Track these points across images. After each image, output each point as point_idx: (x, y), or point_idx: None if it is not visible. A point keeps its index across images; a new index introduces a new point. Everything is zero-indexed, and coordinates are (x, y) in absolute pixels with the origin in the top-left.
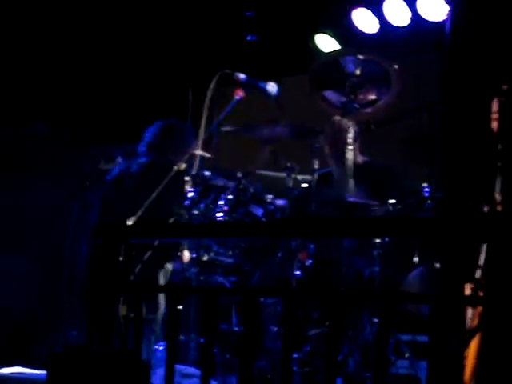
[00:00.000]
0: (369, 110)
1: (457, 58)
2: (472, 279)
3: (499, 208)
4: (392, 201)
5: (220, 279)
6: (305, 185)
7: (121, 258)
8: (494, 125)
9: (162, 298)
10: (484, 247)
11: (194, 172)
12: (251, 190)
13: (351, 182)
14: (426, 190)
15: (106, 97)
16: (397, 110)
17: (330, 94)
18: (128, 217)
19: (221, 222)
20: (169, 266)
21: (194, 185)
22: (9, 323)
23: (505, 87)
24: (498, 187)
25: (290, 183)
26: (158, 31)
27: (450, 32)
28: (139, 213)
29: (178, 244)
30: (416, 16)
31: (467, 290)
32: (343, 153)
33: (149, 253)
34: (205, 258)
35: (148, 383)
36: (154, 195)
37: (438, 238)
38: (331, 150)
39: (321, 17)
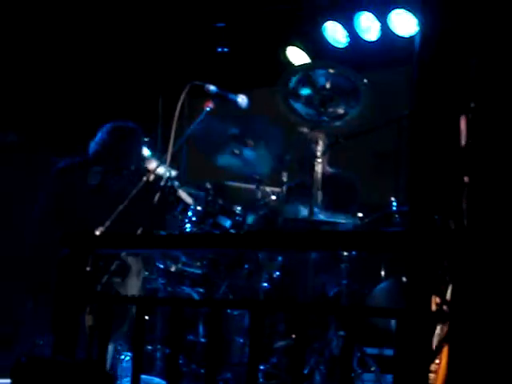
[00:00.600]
0: (338, 123)
1: (426, 74)
2: (438, 294)
3: (465, 223)
4: (360, 214)
5: (187, 290)
6: (274, 197)
7: (88, 268)
8: (462, 141)
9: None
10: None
11: (162, 183)
12: (219, 201)
13: (319, 194)
14: (393, 203)
15: (77, 106)
16: (366, 124)
17: (299, 107)
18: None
19: (189, 234)
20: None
21: (162, 196)
22: None
23: (473, 105)
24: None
25: (259, 195)
26: (129, 42)
27: (420, 47)
28: (107, 223)
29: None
30: (386, 30)
31: (434, 306)
32: (312, 165)
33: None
34: (172, 268)
35: None
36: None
37: (405, 252)
38: (300, 163)
39: (292, 29)
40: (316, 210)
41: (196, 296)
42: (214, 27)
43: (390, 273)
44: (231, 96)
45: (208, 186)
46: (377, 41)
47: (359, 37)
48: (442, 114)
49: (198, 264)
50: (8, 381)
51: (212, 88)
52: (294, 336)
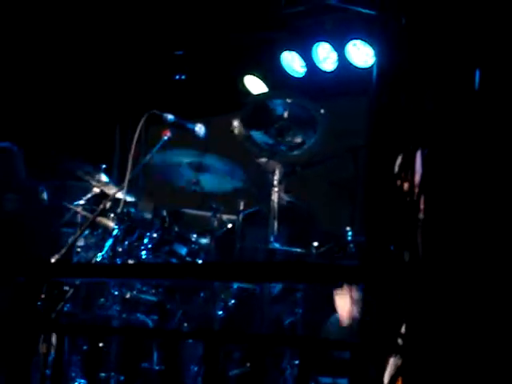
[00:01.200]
0: (296, 152)
1: (381, 105)
2: (393, 327)
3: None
4: (315, 243)
5: (142, 318)
6: (230, 225)
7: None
8: (417, 177)
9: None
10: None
11: (119, 209)
12: (176, 228)
13: (275, 224)
14: (349, 233)
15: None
16: (323, 153)
17: (257, 136)
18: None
19: (144, 264)
20: None
21: (119, 222)
22: None
23: (429, 137)
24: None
25: (215, 223)
26: (86, 69)
27: (376, 78)
28: (63, 251)
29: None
30: (344, 61)
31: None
32: (269, 194)
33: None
34: (127, 295)
35: None
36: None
37: (359, 285)
38: (257, 191)
39: (250, 59)
40: (272, 238)
41: (151, 324)
42: (172, 55)
43: None
44: (189, 125)
45: (164, 213)
46: (334, 71)
47: (317, 67)
48: (398, 147)
49: (154, 291)
50: None
51: (170, 117)
52: (248, 364)
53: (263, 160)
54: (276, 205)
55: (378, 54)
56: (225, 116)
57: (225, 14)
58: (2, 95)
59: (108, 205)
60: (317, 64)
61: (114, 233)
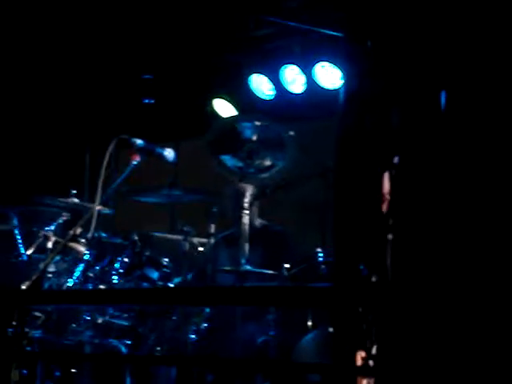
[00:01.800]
0: (265, 175)
1: (349, 127)
2: (364, 348)
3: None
4: (287, 265)
5: (115, 343)
6: (201, 248)
7: (14, 323)
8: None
9: None
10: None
11: (90, 234)
12: (147, 252)
13: (247, 247)
14: (320, 255)
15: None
16: (293, 176)
17: (226, 159)
18: None
19: (115, 289)
20: None
21: (90, 247)
22: None
23: (396, 160)
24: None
25: (186, 247)
26: (54, 93)
27: (343, 100)
28: (34, 277)
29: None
30: (312, 83)
31: (359, 360)
32: (239, 217)
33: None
34: (99, 320)
35: None
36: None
37: (330, 307)
38: (228, 214)
39: (218, 82)
40: (243, 261)
41: (123, 349)
42: (140, 79)
43: (317, 323)
44: (158, 150)
45: (135, 237)
46: (302, 93)
47: (285, 89)
48: (365, 169)
49: (126, 316)
50: None
51: (139, 142)
52: None
53: (234, 183)
54: (247, 227)
55: (345, 76)
56: (194, 139)
57: (193, 37)
58: None
59: (78, 230)
60: (285, 86)
61: (85, 258)
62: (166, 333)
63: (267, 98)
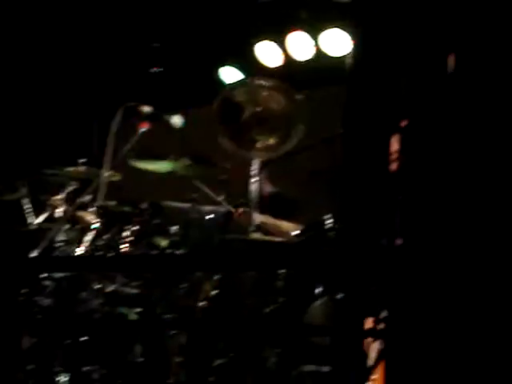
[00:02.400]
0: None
1: (357, 93)
2: (373, 312)
3: (398, 241)
4: (295, 232)
5: (125, 310)
6: (211, 216)
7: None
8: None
9: None
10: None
11: (98, 203)
12: (156, 221)
13: (255, 215)
14: (329, 221)
15: (10, 131)
16: (300, 142)
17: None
18: None
19: (124, 256)
20: None
21: (99, 216)
22: None
23: (404, 123)
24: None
25: (196, 215)
26: (61, 64)
27: (351, 66)
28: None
29: None
30: (319, 50)
31: (369, 324)
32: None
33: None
34: (109, 288)
35: None
36: None
37: (338, 270)
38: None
39: (226, 49)
40: (252, 228)
41: (133, 316)
42: (148, 47)
43: (326, 290)
44: (166, 116)
45: (144, 205)
46: (310, 60)
47: (292, 56)
48: (374, 133)
49: (135, 284)
50: None
51: (146, 109)
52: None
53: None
54: (256, 195)
55: (353, 42)
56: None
57: (200, 4)
58: None
59: (87, 199)
60: (292, 53)
61: (94, 227)
62: (175, 300)
63: (275, 65)
